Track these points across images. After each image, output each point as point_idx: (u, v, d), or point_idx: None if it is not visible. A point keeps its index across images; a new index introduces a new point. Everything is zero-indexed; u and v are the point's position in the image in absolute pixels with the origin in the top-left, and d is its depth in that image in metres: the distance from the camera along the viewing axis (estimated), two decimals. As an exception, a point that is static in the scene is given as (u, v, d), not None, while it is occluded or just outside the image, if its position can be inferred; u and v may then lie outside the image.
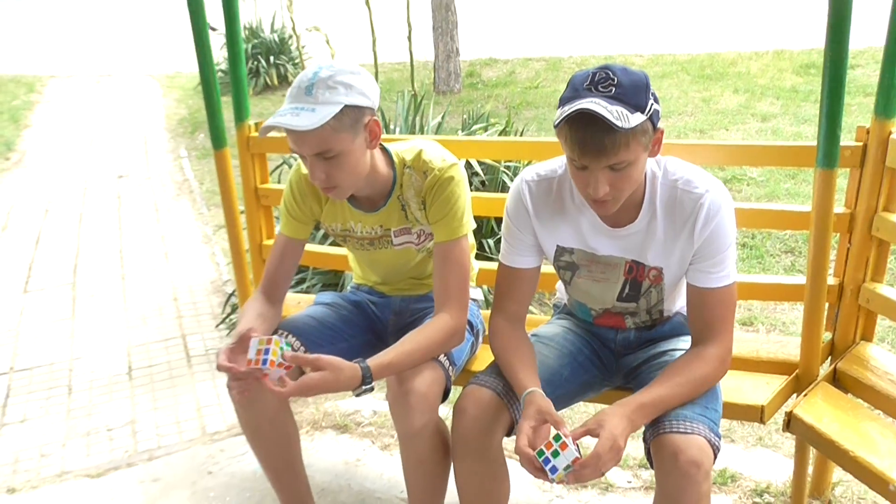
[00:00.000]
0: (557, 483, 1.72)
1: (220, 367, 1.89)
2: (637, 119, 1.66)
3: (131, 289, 4.59)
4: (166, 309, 4.31)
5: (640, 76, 1.71)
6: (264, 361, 1.84)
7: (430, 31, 8.86)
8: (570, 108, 1.65)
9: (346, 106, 1.90)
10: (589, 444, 1.69)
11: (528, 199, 1.99)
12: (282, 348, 1.86)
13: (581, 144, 1.68)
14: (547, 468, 1.67)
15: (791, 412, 2.12)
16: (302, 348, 2.19)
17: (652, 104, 1.70)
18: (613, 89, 1.66)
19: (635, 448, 2.76)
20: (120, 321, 4.19)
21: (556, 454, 1.66)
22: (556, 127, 1.72)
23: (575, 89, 1.70)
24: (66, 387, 3.57)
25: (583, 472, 1.67)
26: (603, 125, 1.63)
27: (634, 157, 1.71)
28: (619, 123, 1.62)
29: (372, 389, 1.91)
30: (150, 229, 5.55)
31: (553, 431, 1.70)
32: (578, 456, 1.67)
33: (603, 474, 1.70)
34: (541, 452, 1.68)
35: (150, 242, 5.31)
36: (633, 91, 1.67)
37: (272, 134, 1.98)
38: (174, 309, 4.30)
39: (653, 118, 1.71)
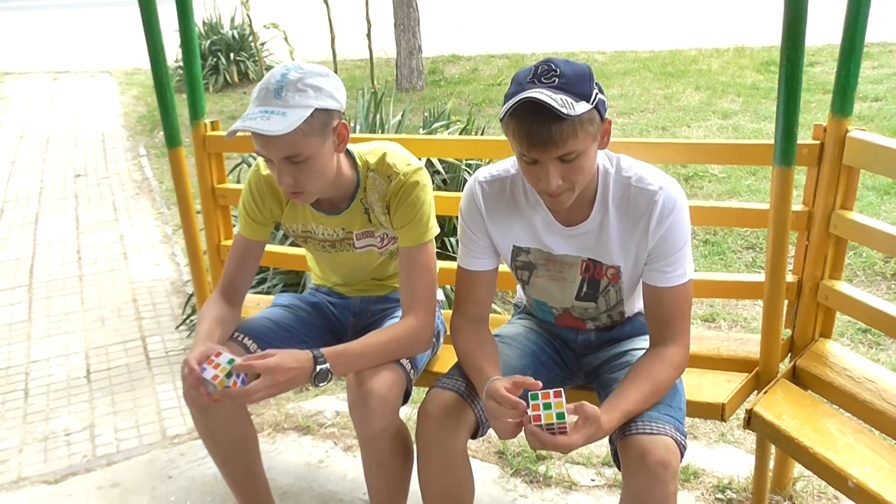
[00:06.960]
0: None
1: (185, 371, 1.88)
2: (582, 107, 1.64)
3: (89, 290, 4.51)
4: (125, 310, 4.24)
5: (582, 67, 1.69)
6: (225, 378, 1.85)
7: (392, 28, 8.80)
8: (514, 100, 1.64)
9: (315, 110, 1.87)
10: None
11: (481, 200, 1.97)
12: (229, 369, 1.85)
13: (528, 136, 1.66)
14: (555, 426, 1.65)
15: (751, 410, 2.14)
16: (258, 350, 2.16)
17: (597, 93, 1.69)
18: (556, 80, 1.65)
19: (598, 447, 2.76)
20: (78, 323, 4.12)
21: (547, 406, 1.65)
22: (502, 122, 1.70)
23: (519, 84, 1.68)
24: (22, 391, 3.50)
25: (534, 439, 1.67)
26: (549, 114, 1.61)
27: (584, 147, 1.69)
28: (564, 110, 1.60)
29: (329, 376, 1.89)
30: (108, 229, 5.46)
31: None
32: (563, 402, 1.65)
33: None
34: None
35: (108, 242, 5.21)
36: (576, 81, 1.66)
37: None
38: (133, 310, 4.23)
39: (599, 107, 1.69)
